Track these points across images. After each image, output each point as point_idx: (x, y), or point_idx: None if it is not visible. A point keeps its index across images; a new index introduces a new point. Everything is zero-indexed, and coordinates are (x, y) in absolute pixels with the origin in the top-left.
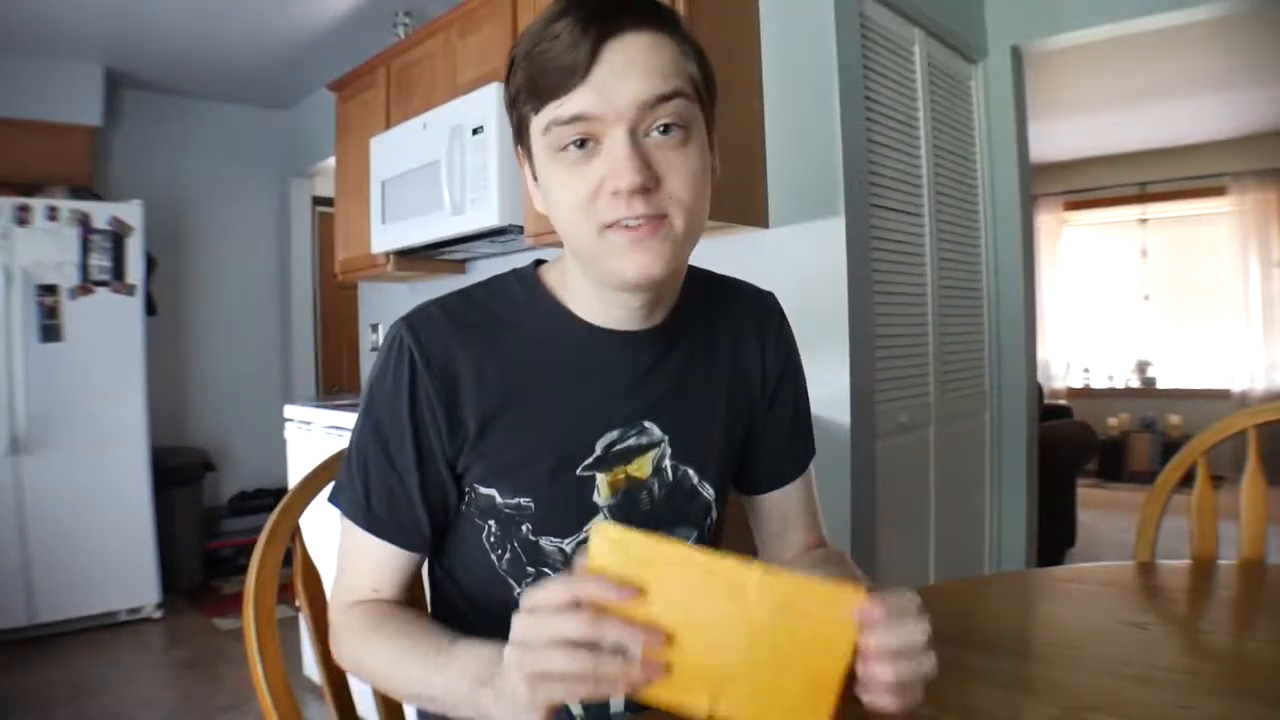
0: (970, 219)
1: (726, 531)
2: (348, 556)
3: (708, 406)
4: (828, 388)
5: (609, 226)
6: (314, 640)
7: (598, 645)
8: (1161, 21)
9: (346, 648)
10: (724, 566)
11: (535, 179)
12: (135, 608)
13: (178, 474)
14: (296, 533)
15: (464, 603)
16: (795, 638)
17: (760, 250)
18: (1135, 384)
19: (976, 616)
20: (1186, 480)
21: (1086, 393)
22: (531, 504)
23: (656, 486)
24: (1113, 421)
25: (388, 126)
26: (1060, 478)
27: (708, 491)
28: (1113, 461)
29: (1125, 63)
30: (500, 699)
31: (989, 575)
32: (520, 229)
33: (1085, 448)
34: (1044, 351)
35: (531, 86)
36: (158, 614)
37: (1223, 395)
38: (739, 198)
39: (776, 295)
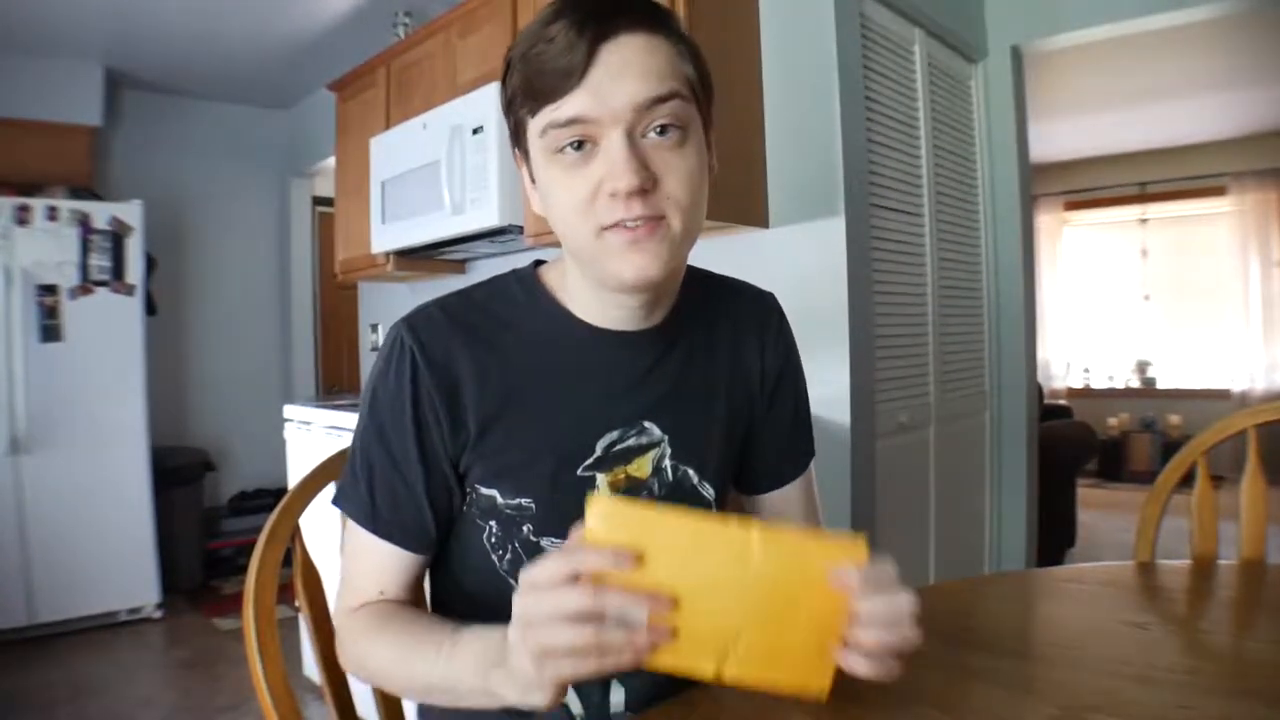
0: (970, 219)
1: None
2: (352, 560)
3: (707, 406)
4: (828, 388)
5: (607, 228)
6: (314, 640)
7: (601, 617)
8: (1161, 21)
9: (351, 649)
10: (723, 528)
11: (533, 181)
12: (135, 608)
13: (178, 474)
14: (296, 533)
15: (464, 604)
16: (798, 594)
17: (760, 250)
18: (1135, 384)
19: (976, 616)
20: (1186, 480)
21: (1086, 393)
22: (532, 505)
23: (656, 486)
24: (1113, 421)
25: (388, 126)
26: (1060, 478)
27: (708, 491)
28: (1113, 461)
29: (1125, 63)
30: (511, 679)
31: (989, 575)
32: (520, 229)
33: (1085, 448)
34: (1044, 351)
35: (528, 89)
36: (158, 614)
37: (1223, 395)
38: (739, 198)
39: (776, 295)
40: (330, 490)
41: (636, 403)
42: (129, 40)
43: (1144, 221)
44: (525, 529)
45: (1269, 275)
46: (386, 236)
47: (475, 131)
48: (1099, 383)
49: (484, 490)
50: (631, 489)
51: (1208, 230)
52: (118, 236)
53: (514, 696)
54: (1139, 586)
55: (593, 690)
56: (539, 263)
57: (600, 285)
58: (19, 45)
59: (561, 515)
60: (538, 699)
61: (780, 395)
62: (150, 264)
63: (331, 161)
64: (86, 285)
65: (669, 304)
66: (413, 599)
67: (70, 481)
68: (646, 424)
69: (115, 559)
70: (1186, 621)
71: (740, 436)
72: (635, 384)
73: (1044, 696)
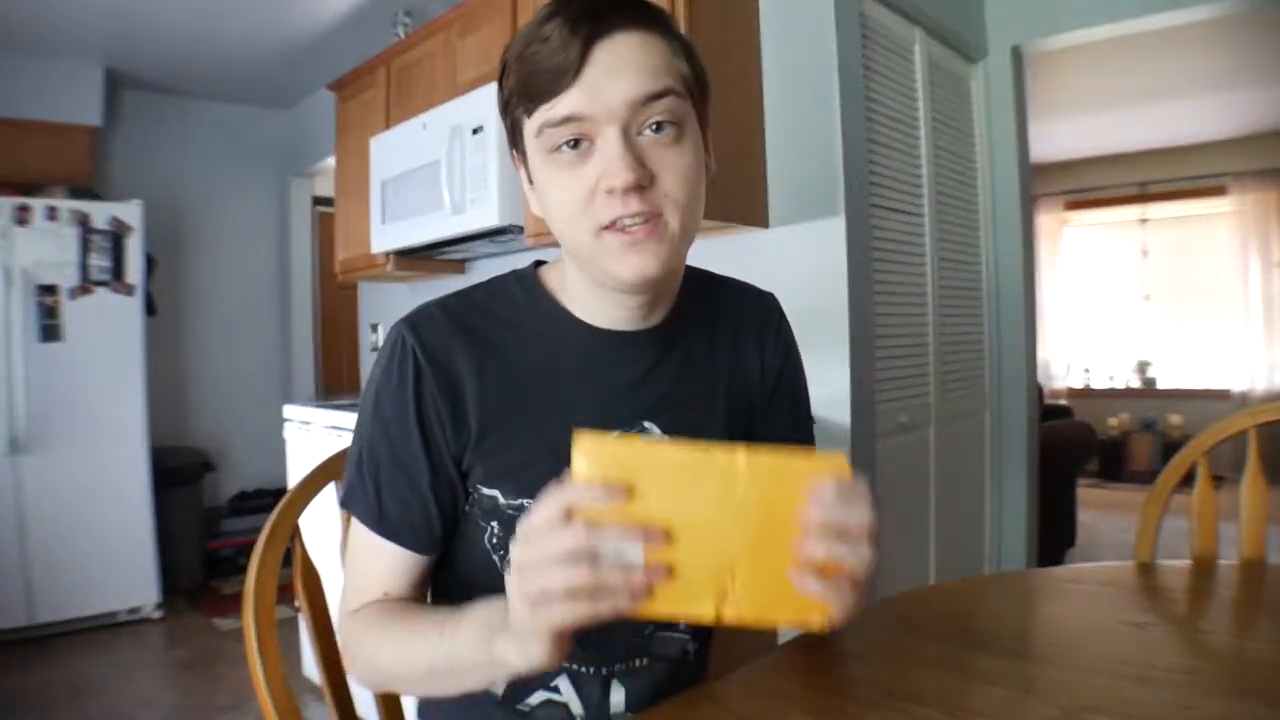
0: (970, 219)
1: None
2: (358, 561)
3: (708, 406)
4: (828, 388)
5: (606, 228)
6: (314, 640)
7: (595, 556)
8: (1161, 21)
9: (356, 649)
10: (709, 455)
11: (531, 182)
12: (135, 608)
13: (178, 474)
14: (296, 533)
15: (466, 605)
16: (788, 516)
17: (760, 250)
18: (1135, 384)
19: (976, 616)
20: (1187, 480)
21: (1087, 393)
22: (534, 505)
23: None
24: (1113, 421)
25: (388, 126)
26: (1060, 478)
27: None
28: (1113, 461)
29: (1125, 63)
30: (512, 638)
31: (989, 575)
32: (520, 229)
33: (1085, 448)
34: (1044, 351)
35: (524, 89)
36: (157, 614)
37: (1223, 395)
38: (739, 198)
39: (776, 295)
40: (330, 490)
41: (637, 403)
42: (129, 40)
43: (1144, 221)
44: None
45: (1269, 275)
46: (386, 236)
47: (475, 131)
48: (1099, 383)
49: (486, 491)
50: None
51: (1208, 230)
52: (118, 236)
53: (515, 657)
54: (1139, 586)
55: (593, 690)
56: (539, 263)
57: (599, 285)
58: (19, 45)
59: None
60: (536, 653)
61: (780, 394)
62: (150, 264)
63: (331, 161)
64: (86, 285)
65: (669, 304)
66: (417, 600)
67: (70, 481)
68: (646, 424)
69: (115, 559)
70: (1186, 621)
71: (740, 436)
72: (635, 384)
73: (1044, 696)
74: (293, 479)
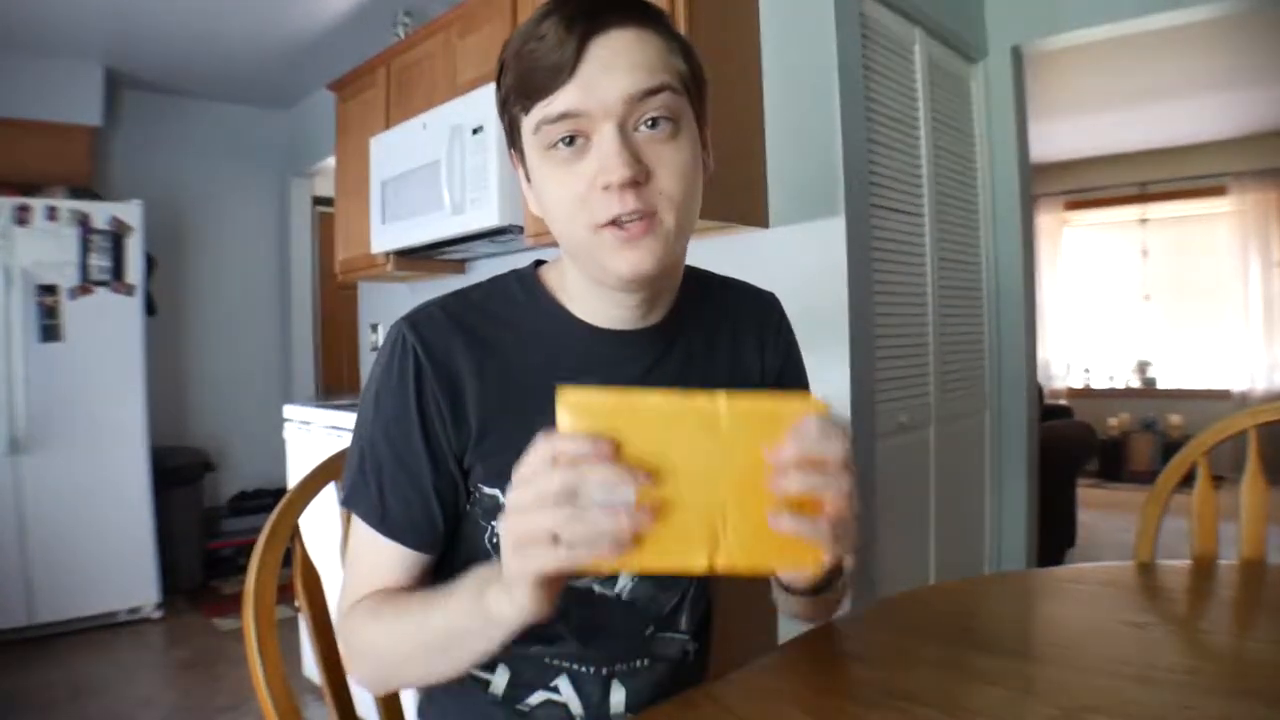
0: (970, 219)
1: None
2: (358, 561)
3: None
4: (828, 388)
5: (602, 226)
6: (314, 640)
7: (582, 500)
8: (1161, 21)
9: (355, 641)
10: (690, 401)
11: (529, 180)
12: (135, 608)
13: (178, 474)
14: (296, 533)
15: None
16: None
17: (760, 250)
18: (1135, 384)
19: (976, 616)
20: (1187, 480)
21: (1087, 393)
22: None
23: None
24: (1113, 421)
25: (388, 126)
26: (1060, 478)
27: None
28: (1113, 461)
29: (1125, 63)
30: (502, 588)
31: (989, 575)
32: (520, 229)
33: (1085, 448)
34: (1044, 351)
35: (520, 87)
36: (157, 614)
37: (1223, 395)
38: (739, 198)
39: (776, 295)
40: (330, 490)
41: None
42: (129, 40)
43: (1144, 221)
44: None
45: (1269, 275)
46: (386, 236)
47: (475, 131)
48: (1099, 383)
49: (486, 490)
50: None
51: (1208, 230)
52: (118, 236)
53: (506, 606)
54: (1139, 586)
55: (593, 690)
56: (539, 263)
57: (597, 282)
58: (19, 45)
59: None
60: (523, 600)
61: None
62: (150, 264)
63: (331, 161)
64: (86, 285)
65: (668, 303)
66: None
67: (70, 481)
68: None
69: (115, 559)
70: (1186, 621)
71: None
72: (635, 383)
73: (1044, 696)
74: (293, 479)
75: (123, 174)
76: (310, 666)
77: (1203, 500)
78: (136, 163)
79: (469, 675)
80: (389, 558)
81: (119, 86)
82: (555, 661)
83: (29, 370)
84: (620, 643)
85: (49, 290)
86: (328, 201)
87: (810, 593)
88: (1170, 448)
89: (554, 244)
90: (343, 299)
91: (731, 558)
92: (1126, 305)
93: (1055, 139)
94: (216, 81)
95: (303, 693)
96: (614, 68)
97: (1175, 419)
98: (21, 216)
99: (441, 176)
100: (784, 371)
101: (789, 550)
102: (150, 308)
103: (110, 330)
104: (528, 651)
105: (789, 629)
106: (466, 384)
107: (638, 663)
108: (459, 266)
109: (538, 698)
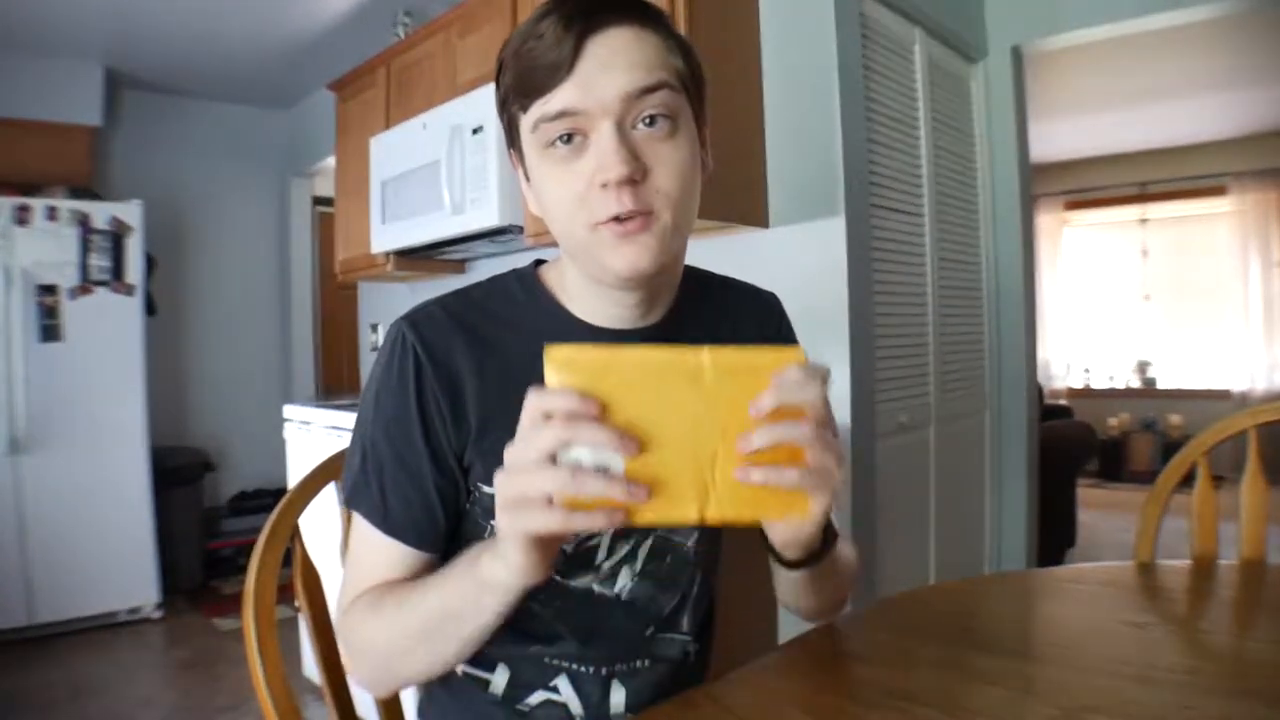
0: (970, 219)
1: (728, 532)
2: (358, 560)
3: None
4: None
5: (601, 224)
6: (314, 640)
7: (575, 464)
8: (1161, 21)
9: (354, 638)
10: (675, 354)
11: (528, 179)
12: (135, 608)
13: (177, 474)
14: (296, 533)
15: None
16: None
17: (760, 250)
18: (1136, 384)
19: (976, 616)
20: (1187, 480)
21: (1087, 393)
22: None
23: None
24: (1113, 421)
25: (388, 126)
26: (1060, 478)
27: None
28: (1113, 461)
29: (1125, 63)
30: (496, 551)
31: (989, 575)
32: (520, 229)
33: (1085, 448)
34: (1044, 351)
35: (519, 85)
36: (157, 614)
37: (1223, 395)
38: (739, 198)
39: (777, 295)
40: (330, 490)
41: None
42: (129, 40)
43: (1144, 221)
44: None
45: (1269, 275)
46: (386, 236)
47: (475, 131)
48: (1099, 383)
49: (486, 489)
50: None
51: (1208, 230)
52: (118, 236)
53: (500, 570)
54: (1139, 586)
55: (593, 690)
56: (539, 262)
57: (596, 281)
58: (19, 45)
59: None
60: (515, 559)
61: None
62: (150, 264)
63: (331, 161)
64: (86, 285)
65: (667, 302)
66: None
67: (70, 481)
68: None
69: (115, 559)
70: (1186, 621)
71: None
72: None
73: (1044, 696)
74: (293, 479)
75: (123, 174)
76: (310, 666)
77: (1203, 500)
78: (136, 163)
79: (469, 675)
80: (391, 557)
81: (119, 86)
82: (555, 661)
83: (29, 370)
84: (620, 643)
85: (49, 290)
86: (328, 201)
87: (807, 562)
88: (1170, 448)
89: (554, 244)
90: (343, 299)
91: (722, 508)
92: (1126, 305)
93: (1055, 139)
94: (216, 81)
95: (303, 693)
96: (612, 66)
97: (1175, 419)
98: (21, 216)
99: (441, 176)
100: None
101: (778, 499)
102: (150, 308)
103: (110, 330)
104: (527, 651)
105: (789, 629)
106: (466, 383)
107: (638, 663)
108: (459, 266)
109: (537, 698)
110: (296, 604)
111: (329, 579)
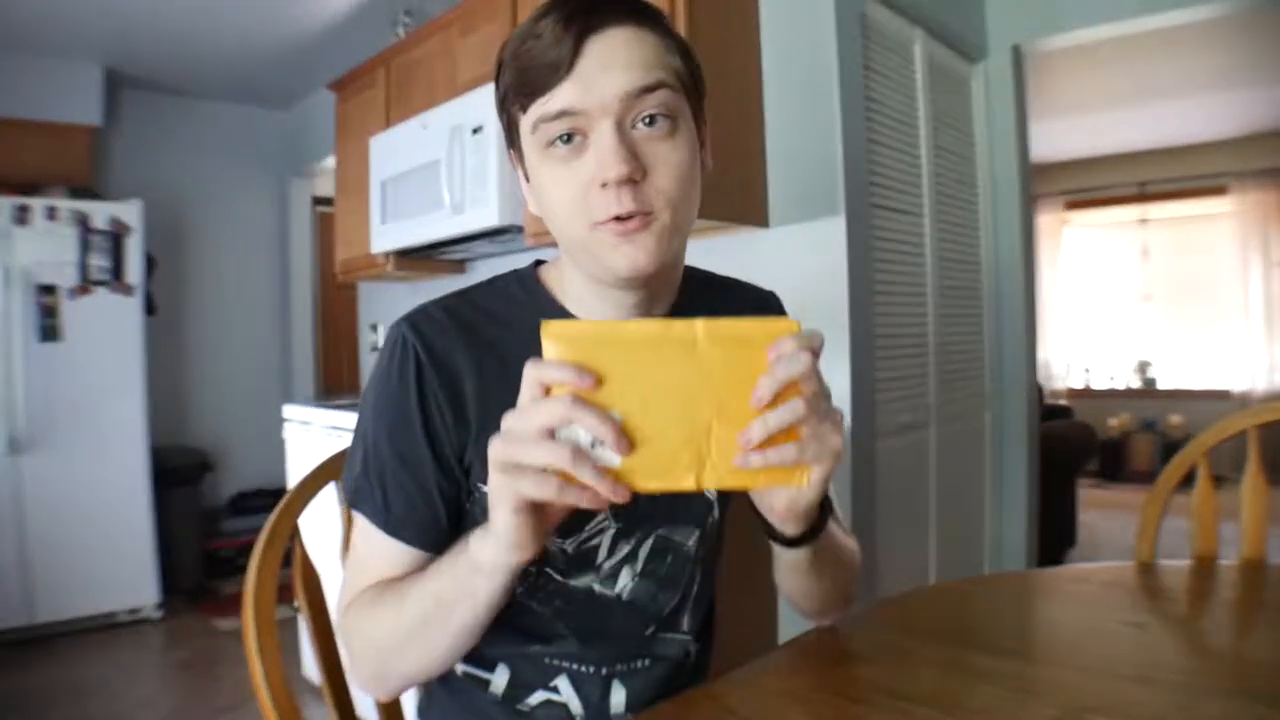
0: (970, 219)
1: (729, 531)
2: (361, 562)
3: None
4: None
5: (600, 223)
6: (314, 640)
7: (576, 443)
8: (1161, 21)
9: (354, 639)
10: (669, 328)
11: (528, 179)
12: (135, 608)
13: (177, 474)
14: (296, 533)
15: None
16: (752, 375)
17: (760, 250)
18: (1136, 384)
19: (976, 616)
20: (1187, 480)
21: (1087, 393)
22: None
23: None
24: (1113, 422)
25: (387, 126)
26: (1061, 478)
27: (709, 492)
28: (1113, 461)
29: (1125, 63)
30: (489, 530)
31: (989, 575)
32: (520, 229)
33: (1086, 448)
34: (1044, 352)
35: (518, 85)
36: (157, 614)
37: (1223, 396)
38: (739, 198)
39: (777, 295)
40: (330, 490)
41: None
42: (129, 40)
43: (1144, 222)
44: None
45: (1269, 275)
46: (386, 236)
47: (475, 131)
48: (1099, 383)
49: (486, 489)
50: None
51: (1208, 230)
52: (117, 236)
53: (490, 547)
54: (1139, 586)
55: (593, 690)
56: (539, 263)
57: (596, 281)
58: (19, 45)
59: None
60: (505, 526)
61: None
62: (150, 264)
63: (331, 161)
64: (86, 285)
65: (668, 302)
66: None
67: (70, 481)
68: None
69: (115, 559)
70: (1186, 621)
71: None
72: None
73: (1044, 697)
74: (293, 479)
75: (123, 174)
76: (310, 666)
77: (1203, 500)
78: (136, 163)
79: (469, 675)
80: (392, 557)
81: (119, 86)
82: (555, 661)
83: (29, 370)
84: (620, 643)
85: (49, 290)
86: (328, 201)
87: (807, 538)
88: (1170, 448)
89: (554, 244)
90: (343, 299)
91: (718, 475)
92: (1127, 305)
93: (1055, 139)
94: (216, 81)
95: (303, 693)
96: (611, 66)
97: (1175, 419)
98: (21, 216)
99: (441, 176)
100: None
101: (775, 467)
102: (150, 308)
103: (110, 330)
104: (528, 651)
105: (789, 629)
106: (467, 383)
107: (638, 663)
108: (459, 266)
109: (538, 698)
110: (296, 604)
111: (329, 579)
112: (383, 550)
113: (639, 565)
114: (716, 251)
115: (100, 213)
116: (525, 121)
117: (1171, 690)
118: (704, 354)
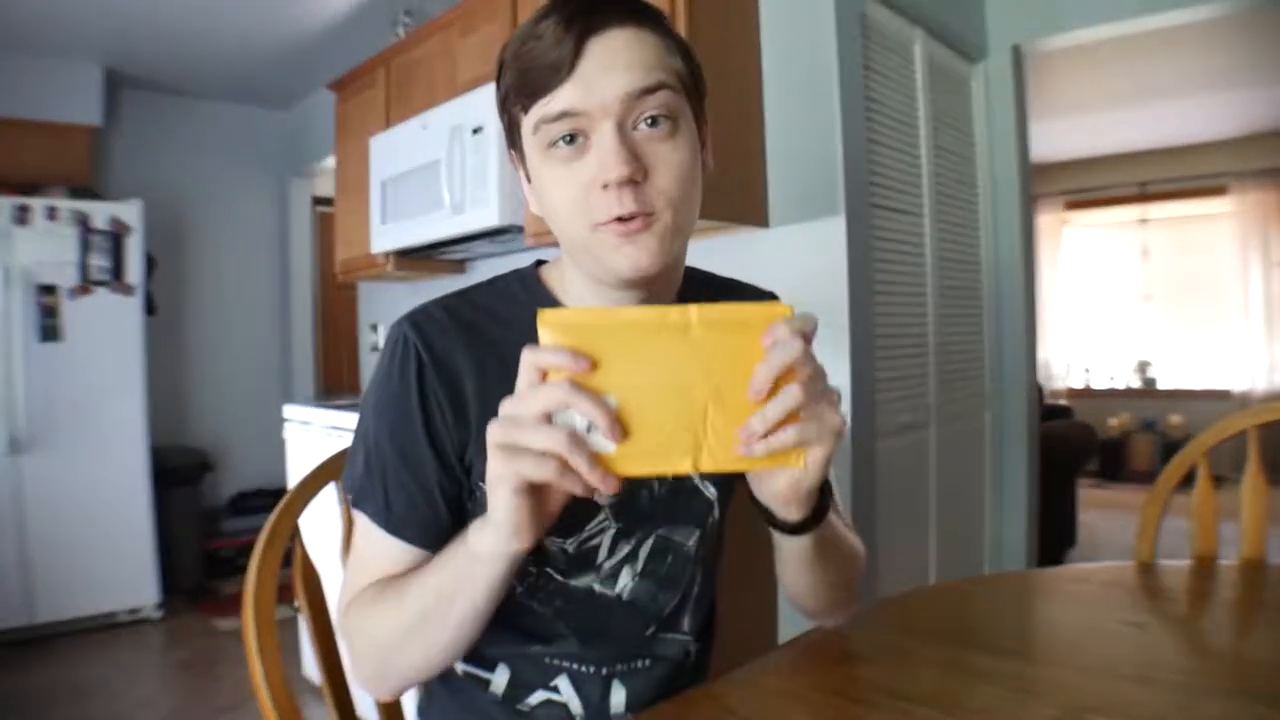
0: (970, 219)
1: (729, 531)
2: (362, 561)
3: None
4: None
5: (602, 224)
6: (314, 640)
7: (572, 428)
8: (1161, 21)
9: (355, 637)
10: (665, 312)
11: (529, 180)
12: (135, 608)
13: (177, 474)
14: (296, 533)
15: None
16: (747, 363)
17: (760, 250)
18: (1136, 384)
19: (976, 616)
20: (1187, 480)
21: (1087, 393)
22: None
23: (656, 485)
24: (1113, 422)
25: (387, 126)
26: (1061, 478)
27: (709, 491)
28: (1113, 461)
29: (1125, 63)
30: (488, 520)
31: (989, 575)
32: (520, 229)
33: (1086, 448)
34: (1044, 351)
35: (519, 86)
36: (157, 614)
37: (1223, 396)
38: (739, 198)
39: (778, 295)
40: (330, 490)
41: None
42: (129, 40)
43: (1144, 222)
44: None
45: (1269, 275)
46: (386, 236)
47: (475, 131)
48: (1099, 383)
49: (485, 487)
50: (631, 487)
51: (1208, 230)
52: (117, 236)
53: (488, 536)
54: (1139, 586)
55: (593, 690)
56: (540, 262)
57: (597, 281)
58: (19, 45)
59: (562, 515)
60: (503, 511)
61: None
62: (150, 264)
63: (331, 161)
64: (86, 285)
65: (668, 302)
66: None
67: (70, 481)
68: None
69: (115, 559)
70: (1186, 621)
71: None
72: None
73: (1044, 697)
74: (293, 479)
75: (123, 174)
76: (310, 666)
77: (1203, 500)
78: (136, 163)
79: (469, 674)
80: (394, 556)
81: (119, 86)
82: (555, 661)
83: (29, 370)
84: (621, 643)
85: (49, 290)
86: (328, 201)
87: (809, 525)
88: (1170, 448)
89: (554, 244)
90: (343, 299)
91: (715, 458)
92: (1127, 305)
93: (1055, 139)
94: (216, 81)
95: (303, 693)
96: (612, 67)
97: (1175, 419)
98: (21, 216)
99: (441, 176)
100: None
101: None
102: (150, 308)
103: (110, 330)
104: (528, 651)
105: (789, 629)
106: (467, 382)
107: (638, 663)
108: (459, 266)
109: (538, 697)
110: (296, 604)
111: (329, 579)
112: (384, 549)
113: (639, 565)
114: (716, 251)
115: (100, 213)
116: (526, 122)
117: (1171, 690)
118: (698, 339)
